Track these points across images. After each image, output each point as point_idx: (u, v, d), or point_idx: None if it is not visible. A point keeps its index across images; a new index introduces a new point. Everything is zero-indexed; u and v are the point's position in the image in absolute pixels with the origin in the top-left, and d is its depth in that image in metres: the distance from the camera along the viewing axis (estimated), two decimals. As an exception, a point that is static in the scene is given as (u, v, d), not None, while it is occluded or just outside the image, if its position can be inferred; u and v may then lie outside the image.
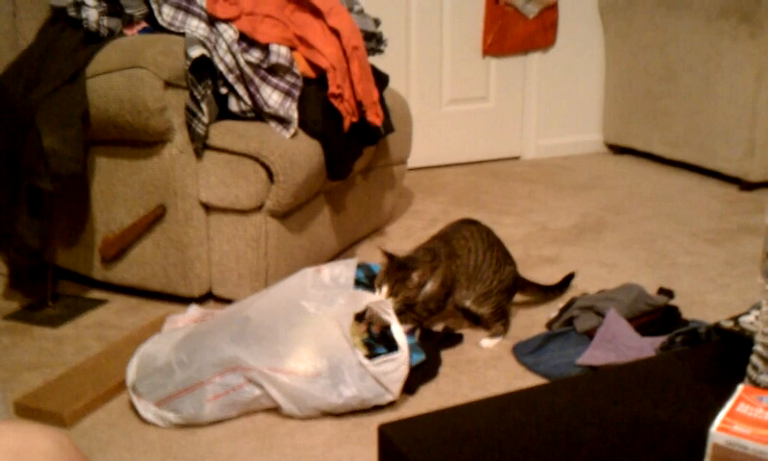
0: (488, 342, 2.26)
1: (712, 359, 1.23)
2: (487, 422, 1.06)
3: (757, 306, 1.25)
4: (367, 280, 2.19)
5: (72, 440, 0.86)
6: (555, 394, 1.18)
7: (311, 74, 2.60)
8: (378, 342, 1.98)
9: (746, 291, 2.57)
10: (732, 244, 3.01)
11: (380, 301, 2.02)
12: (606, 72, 4.36)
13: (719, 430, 0.88)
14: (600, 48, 4.34)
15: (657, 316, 2.28)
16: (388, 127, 2.89)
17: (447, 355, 2.20)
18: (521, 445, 1.01)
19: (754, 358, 1.04)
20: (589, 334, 2.20)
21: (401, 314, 2.15)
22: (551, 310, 2.40)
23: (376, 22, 3.02)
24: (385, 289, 2.11)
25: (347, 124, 2.61)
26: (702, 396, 1.10)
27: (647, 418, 1.05)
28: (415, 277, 2.12)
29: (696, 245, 3.00)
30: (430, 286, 2.16)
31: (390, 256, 2.15)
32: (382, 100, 2.85)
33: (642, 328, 2.20)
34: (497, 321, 2.28)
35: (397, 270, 2.13)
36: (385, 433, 1.03)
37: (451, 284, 2.20)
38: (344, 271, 2.12)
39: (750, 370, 1.04)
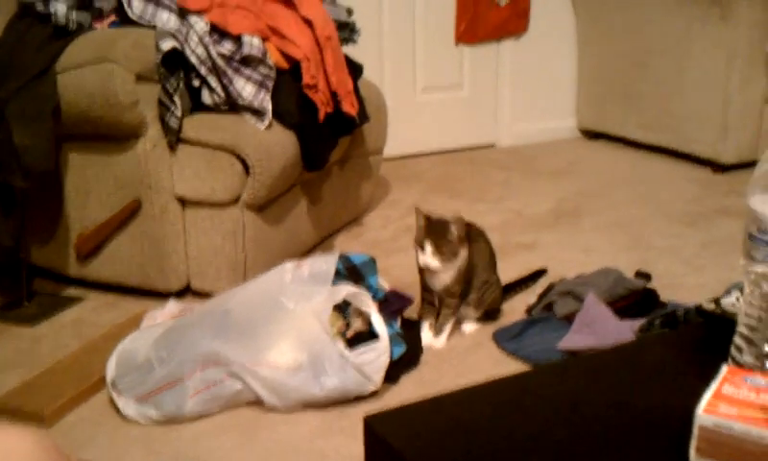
0: (469, 326, 2.27)
1: (693, 342, 1.24)
2: (472, 410, 1.06)
3: (737, 287, 1.26)
4: (346, 272, 2.18)
5: (53, 439, 0.85)
6: (538, 380, 1.18)
7: (284, 65, 2.57)
8: (351, 342, 1.97)
9: (722, 272, 2.59)
10: (708, 226, 3.03)
11: (359, 292, 2.02)
12: (578, 58, 4.37)
13: (705, 412, 0.88)
14: (572, 34, 4.35)
15: (635, 299, 2.29)
16: (363, 116, 2.88)
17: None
18: (508, 432, 1.00)
19: (737, 339, 1.04)
20: (569, 319, 2.21)
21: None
22: (530, 296, 2.41)
23: (349, 12, 3.01)
24: (429, 247, 2.09)
25: (321, 114, 2.60)
26: (685, 378, 1.11)
27: (632, 402, 1.06)
28: (454, 229, 2.10)
29: (672, 228, 3.03)
30: (463, 252, 2.14)
31: (425, 217, 2.13)
32: (356, 90, 2.84)
33: (621, 312, 2.21)
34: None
35: (435, 225, 2.11)
36: (370, 425, 1.02)
37: (472, 266, 2.20)
38: (323, 266, 2.10)
39: (733, 350, 1.05)
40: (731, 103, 3.59)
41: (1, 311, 2.45)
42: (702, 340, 1.22)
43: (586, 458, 0.94)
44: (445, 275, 2.15)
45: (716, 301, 1.22)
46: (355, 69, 2.90)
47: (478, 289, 2.23)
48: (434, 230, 2.10)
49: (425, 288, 2.22)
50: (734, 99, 3.58)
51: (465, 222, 2.13)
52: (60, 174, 2.45)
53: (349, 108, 2.72)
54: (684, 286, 2.49)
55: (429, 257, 2.10)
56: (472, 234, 2.24)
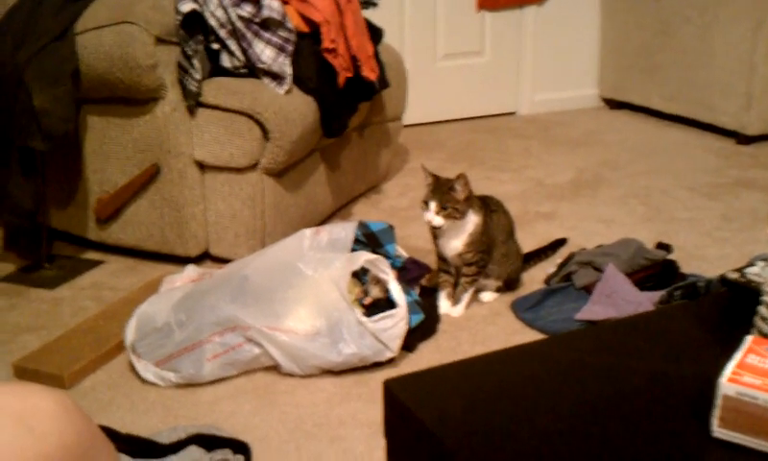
0: (488, 296, 2.26)
1: (716, 312, 1.22)
2: (491, 376, 1.05)
3: (761, 258, 1.24)
4: (364, 239, 2.18)
5: (74, 400, 0.85)
6: (557, 348, 1.17)
7: (304, 28, 2.55)
8: (368, 310, 1.96)
9: (744, 245, 2.57)
10: (730, 198, 3.00)
11: (377, 259, 2.01)
12: (602, 26, 4.31)
13: (729, 382, 0.87)
14: (596, 1, 4.29)
15: (655, 271, 2.28)
16: (383, 82, 2.86)
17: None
18: (525, 398, 1.00)
19: (762, 309, 1.03)
20: (588, 290, 2.20)
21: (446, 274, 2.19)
22: (549, 266, 2.40)
23: (370, -25, 2.98)
24: (433, 205, 2.09)
25: (341, 79, 2.58)
26: (708, 348, 1.09)
27: (653, 371, 1.04)
28: (458, 187, 2.09)
29: (694, 199, 2.99)
30: (473, 216, 2.13)
31: (434, 176, 2.14)
32: (377, 54, 2.81)
33: (641, 283, 2.20)
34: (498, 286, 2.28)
35: (441, 184, 2.11)
36: (390, 388, 1.02)
37: (491, 238, 2.19)
38: (342, 233, 2.09)
39: (758, 321, 1.03)
40: (756, 73, 3.53)
41: (21, 274, 2.47)
42: (725, 310, 1.20)
43: (604, 427, 0.93)
44: (456, 240, 2.14)
45: (740, 271, 1.20)
46: (375, 34, 2.88)
47: (498, 261, 2.22)
48: (439, 189, 2.10)
49: (440, 257, 2.21)
50: (760, 69, 3.52)
51: (468, 180, 2.11)
52: (79, 137, 2.45)
53: (369, 73, 2.69)
54: (705, 258, 2.47)
55: (433, 214, 2.09)
56: (491, 206, 2.22)
